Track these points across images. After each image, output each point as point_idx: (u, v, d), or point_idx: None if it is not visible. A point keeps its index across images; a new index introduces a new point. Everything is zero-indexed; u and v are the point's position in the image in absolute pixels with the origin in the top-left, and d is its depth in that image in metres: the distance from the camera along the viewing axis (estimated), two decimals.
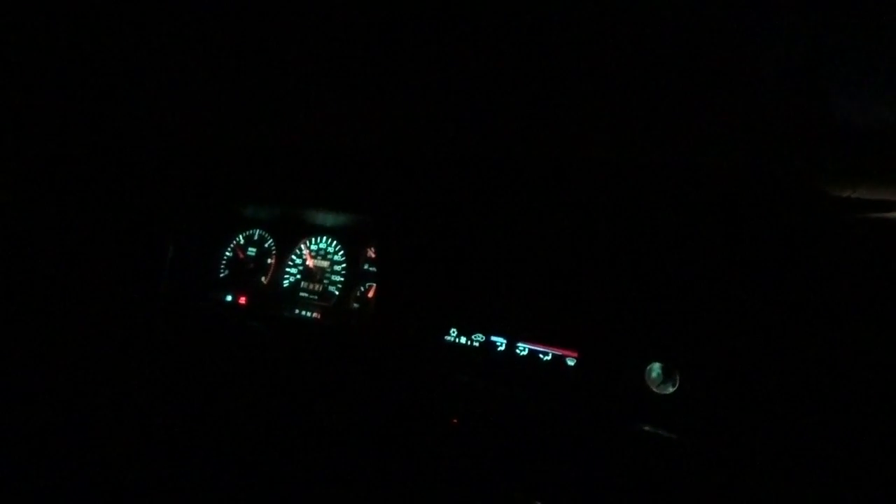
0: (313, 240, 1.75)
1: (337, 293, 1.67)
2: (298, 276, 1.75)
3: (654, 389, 1.17)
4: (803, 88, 1.07)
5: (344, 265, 1.69)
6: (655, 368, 1.18)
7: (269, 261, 1.80)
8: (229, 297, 1.78)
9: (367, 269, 1.65)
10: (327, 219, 1.70)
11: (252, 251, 1.83)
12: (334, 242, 1.72)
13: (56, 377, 1.66)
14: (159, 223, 1.78)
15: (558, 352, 1.29)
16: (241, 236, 1.85)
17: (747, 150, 1.33)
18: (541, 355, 1.30)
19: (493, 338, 1.36)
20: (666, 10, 0.99)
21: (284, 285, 1.75)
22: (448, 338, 1.40)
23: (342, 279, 1.68)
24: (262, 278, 1.78)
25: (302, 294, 1.72)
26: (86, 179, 1.72)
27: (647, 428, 1.15)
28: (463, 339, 1.39)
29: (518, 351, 1.33)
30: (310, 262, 1.74)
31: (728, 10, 0.94)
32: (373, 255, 1.64)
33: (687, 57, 1.09)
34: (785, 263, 1.14)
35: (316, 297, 1.70)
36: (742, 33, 0.99)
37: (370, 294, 1.61)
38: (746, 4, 0.93)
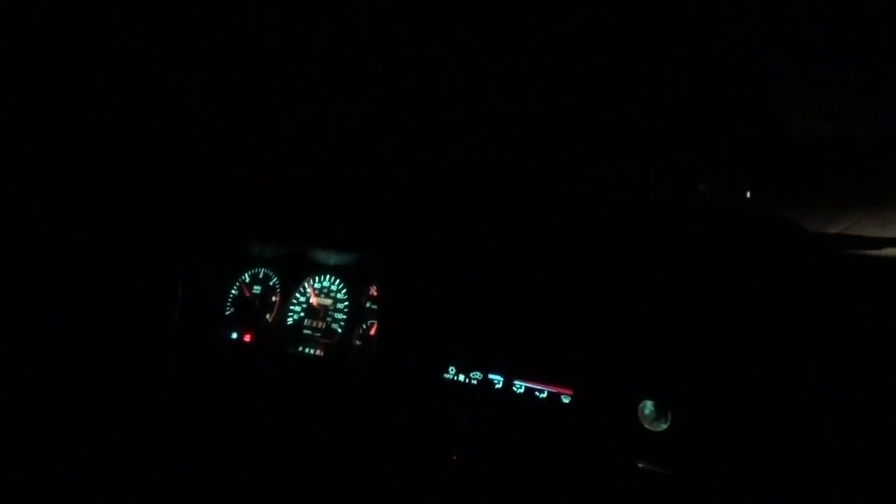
0: (317, 278, 1.81)
1: (340, 330, 1.72)
2: (302, 314, 1.79)
3: (647, 426, 1.21)
4: (790, 120, 1.12)
5: (347, 303, 1.74)
6: (648, 406, 1.21)
7: (273, 299, 1.84)
8: (235, 335, 1.83)
9: (370, 307, 1.70)
10: (331, 257, 1.76)
11: (257, 289, 1.88)
12: (337, 281, 1.78)
13: (64, 411, 1.69)
14: (168, 262, 1.84)
15: (554, 389, 1.32)
16: (246, 275, 1.90)
17: (735, 188, 1.38)
18: (537, 392, 1.34)
19: (491, 375, 1.40)
20: (643, 50, 1.05)
21: (289, 323, 1.80)
22: (447, 375, 1.44)
23: (345, 317, 1.73)
24: (268, 316, 1.83)
25: (306, 331, 1.77)
26: (94, 216, 1.77)
27: (640, 464, 1.18)
28: (461, 377, 1.43)
29: (515, 388, 1.37)
30: (314, 300, 1.78)
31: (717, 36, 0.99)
32: (375, 294, 1.69)
33: (675, 96, 1.16)
34: (776, 301, 1.18)
35: (319, 335, 1.75)
36: (727, 65, 1.05)
37: (372, 332, 1.66)
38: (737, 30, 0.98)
